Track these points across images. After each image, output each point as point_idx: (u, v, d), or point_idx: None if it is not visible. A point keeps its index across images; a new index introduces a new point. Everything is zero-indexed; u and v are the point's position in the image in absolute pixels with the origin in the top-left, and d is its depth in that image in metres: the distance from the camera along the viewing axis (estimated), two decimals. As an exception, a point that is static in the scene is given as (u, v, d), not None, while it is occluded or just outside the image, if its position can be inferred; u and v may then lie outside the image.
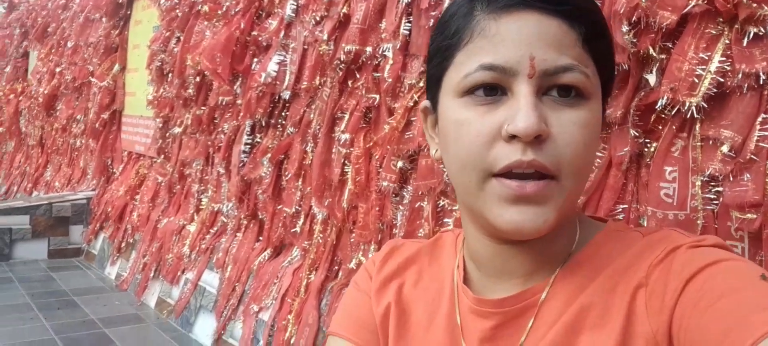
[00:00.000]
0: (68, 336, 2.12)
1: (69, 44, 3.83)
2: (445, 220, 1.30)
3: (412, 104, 1.39)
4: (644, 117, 0.95)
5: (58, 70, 4.07)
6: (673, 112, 0.89)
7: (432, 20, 1.36)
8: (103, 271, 3.01)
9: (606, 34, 0.57)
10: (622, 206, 0.98)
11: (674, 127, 0.90)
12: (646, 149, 0.96)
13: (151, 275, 2.51)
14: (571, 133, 0.51)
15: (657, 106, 0.90)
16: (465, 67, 0.53)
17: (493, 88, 0.52)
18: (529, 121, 0.49)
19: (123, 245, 2.87)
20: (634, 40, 0.93)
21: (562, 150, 0.51)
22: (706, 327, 0.44)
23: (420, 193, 1.36)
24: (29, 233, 3.19)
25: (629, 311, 0.51)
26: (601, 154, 1.01)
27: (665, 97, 0.89)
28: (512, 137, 0.50)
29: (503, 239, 0.57)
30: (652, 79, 0.94)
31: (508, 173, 0.51)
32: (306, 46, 1.74)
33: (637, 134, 0.95)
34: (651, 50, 0.91)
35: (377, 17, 1.53)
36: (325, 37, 1.61)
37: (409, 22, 1.45)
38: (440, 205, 1.32)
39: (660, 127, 0.94)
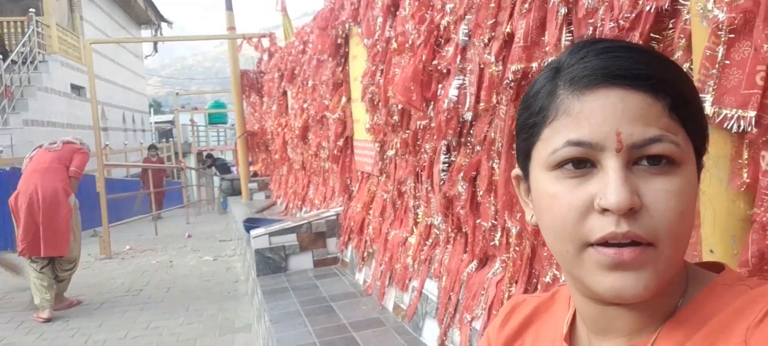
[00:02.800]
0: (326, 339, 2.54)
1: (309, 83, 4.49)
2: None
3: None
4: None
5: (305, 106, 4.79)
6: None
7: (590, 29, 1.30)
8: (354, 276, 3.48)
9: (694, 99, 0.55)
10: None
11: None
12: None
13: (387, 282, 2.83)
14: (665, 202, 0.52)
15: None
16: (552, 143, 0.55)
17: (581, 161, 0.54)
18: (620, 196, 0.51)
19: (365, 254, 3.28)
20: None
21: (657, 219, 0.52)
22: None
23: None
24: (297, 247, 3.86)
25: None
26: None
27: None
28: (605, 210, 0.52)
29: (605, 301, 0.59)
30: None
31: (604, 243, 0.53)
32: (482, 67, 1.80)
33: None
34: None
35: (539, 31, 1.51)
36: (492, 59, 1.65)
37: (570, 32, 1.41)
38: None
39: None
